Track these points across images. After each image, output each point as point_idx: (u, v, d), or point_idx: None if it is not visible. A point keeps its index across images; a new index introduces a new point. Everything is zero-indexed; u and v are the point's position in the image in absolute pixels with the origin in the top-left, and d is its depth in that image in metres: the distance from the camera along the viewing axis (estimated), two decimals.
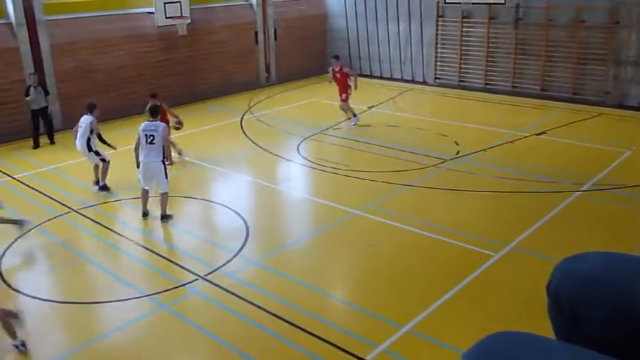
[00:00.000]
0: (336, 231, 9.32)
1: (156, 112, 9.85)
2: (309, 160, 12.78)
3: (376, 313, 6.96)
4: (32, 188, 11.27)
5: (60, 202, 10.48)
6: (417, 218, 9.50)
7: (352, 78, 14.95)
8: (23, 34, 14.53)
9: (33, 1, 14.56)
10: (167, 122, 11.47)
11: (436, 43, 19.66)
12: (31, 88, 13.61)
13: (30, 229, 9.34)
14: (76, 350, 6.57)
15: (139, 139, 9.52)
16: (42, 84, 14.14)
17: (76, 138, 10.88)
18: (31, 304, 7.39)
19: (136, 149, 9.65)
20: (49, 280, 8.33)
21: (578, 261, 1.20)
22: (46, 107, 13.99)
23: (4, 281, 7.89)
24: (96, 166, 11.03)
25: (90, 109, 10.83)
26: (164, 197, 9.57)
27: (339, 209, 9.99)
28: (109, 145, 11.02)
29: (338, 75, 14.96)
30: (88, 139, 10.70)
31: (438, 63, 19.86)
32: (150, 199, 9.84)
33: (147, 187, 9.75)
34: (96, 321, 7.26)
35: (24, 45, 14.56)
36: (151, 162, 9.44)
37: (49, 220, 9.81)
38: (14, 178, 11.90)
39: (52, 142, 14.14)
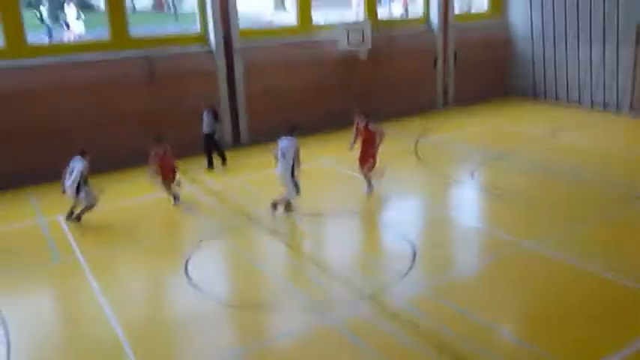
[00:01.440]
0: (508, 262, 8.78)
1: (293, 130, 10.74)
2: (483, 187, 12.30)
3: (549, 353, 6.40)
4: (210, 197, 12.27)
5: (239, 213, 11.28)
6: (601, 258, 8.61)
7: (378, 139, 11.64)
8: (221, 60, 16.06)
9: (231, 30, 16.03)
10: (163, 167, 11.58)
11: (634, 69, 17.91)
12: (204, 113, 14.17)
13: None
14: (237, 353, 6.94)
15: (276, 151, 10.75)
16: (213, 109, 14.41)
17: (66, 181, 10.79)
18: (204, 303, 8.01)
19: (275, 157, 10.82)
20: (223, 282, 9.00)
21: None
22: (214, 132, 14.13)
23: (191, 281, 8.64)
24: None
25: (82, 154, 10.87)
26: (285, 198, 10.80)
27: (511, 240, 9.44)
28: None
29: (363, 133, 11.75)
30: (78, 184, 10.71)
31: (637, 90, 18.04)
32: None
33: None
34: (258, 327, 7.62)
35: (221, 70, 16.08)
36: (280, 172, 10.71)
37: (229, 228, 10.59)
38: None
39: (224, 163, 14.47)
